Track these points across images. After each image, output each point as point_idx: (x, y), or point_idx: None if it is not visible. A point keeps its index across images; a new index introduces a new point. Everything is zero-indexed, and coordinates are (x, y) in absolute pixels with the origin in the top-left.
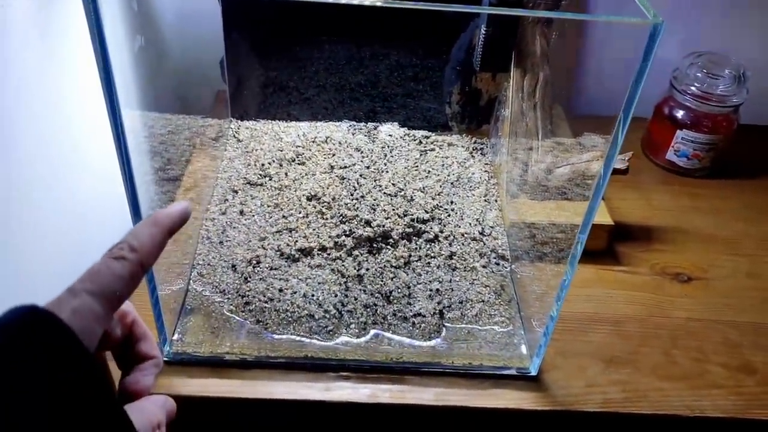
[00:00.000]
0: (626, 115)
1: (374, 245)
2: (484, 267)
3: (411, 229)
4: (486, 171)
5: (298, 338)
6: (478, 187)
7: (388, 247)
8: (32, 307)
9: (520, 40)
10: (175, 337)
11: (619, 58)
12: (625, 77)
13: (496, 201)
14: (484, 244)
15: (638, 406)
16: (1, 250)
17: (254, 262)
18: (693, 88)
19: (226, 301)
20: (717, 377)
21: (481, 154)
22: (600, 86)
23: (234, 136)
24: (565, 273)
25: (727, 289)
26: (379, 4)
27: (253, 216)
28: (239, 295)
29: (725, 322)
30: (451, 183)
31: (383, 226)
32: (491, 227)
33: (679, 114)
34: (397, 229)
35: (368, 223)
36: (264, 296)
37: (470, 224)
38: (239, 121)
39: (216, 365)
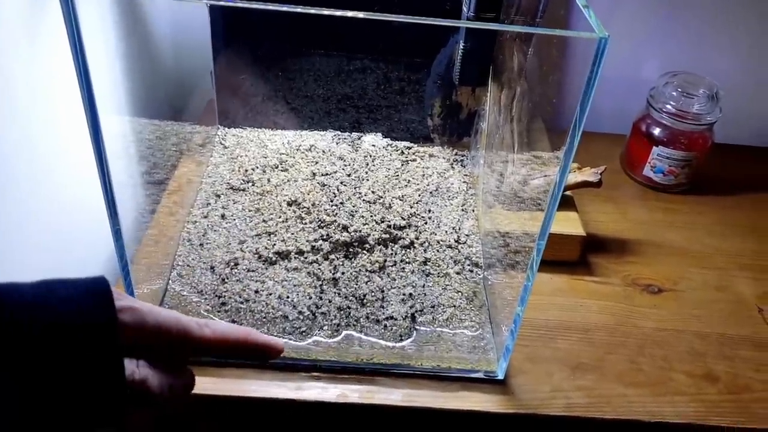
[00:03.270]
0: (578, 126)
1: (350, 250)
2: (458, 273)
3: (387, 235)
4: (465, 182)
5: None
6: (456, 197)
7: (364, 252)
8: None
9: (497, 55)
10: None
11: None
12: (599, 93)
13: (473, 211)
14: (459, 251)
15: (601, 411)
16: None
17: (232, 264)
18: (669, 106)
19: (203, 301)
20: (680, 385)
21: (461, 165)
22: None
23: (220, 142)
24: (526, 278)
25: (696, 301)
26: (361, 16)
27: (234, 220)
28: (216, 295)
29: (692, 332)
30: (430, 192)
31: (360, 231)
32: (467, 235)
33: (656, 131)
34: (373, 235)
35: (345, 228)
36: (240, 297)
37: (446, 232)
38: (226, 129)
39: (190, 363)
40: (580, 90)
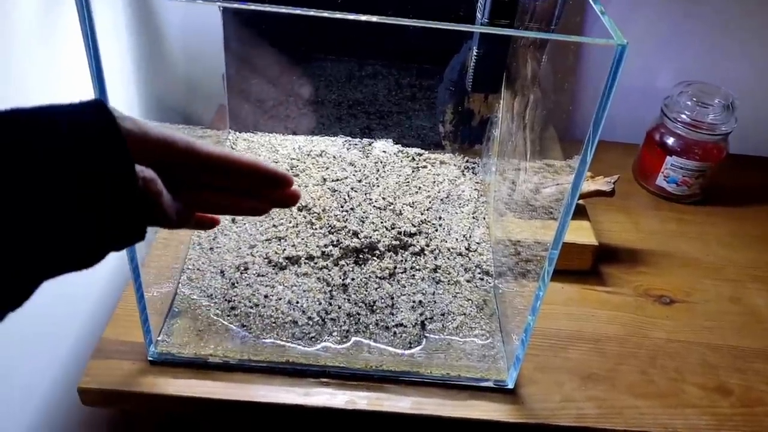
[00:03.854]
0: (594, 135)
1: (360, 256)
2: (468, 281)
3: (398, 242)
4: (476, 189)
5: (280, 343)
6: (467, 205)
7: (374, 258)
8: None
9: (511, 62)
10: (161, 337)
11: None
12: (614, 101)
13: (484, 218)
14: (470, 259)
15: (612, 423)
16: None
17: (242, 268)
18: (683, 115)
19: (212, 305)
20: (692, 397)
21: (472, 172)
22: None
23: (231, 147)
24: (538, 287)
25: (709, 312)
26: (374, 20)
27: (245, 224)
28: (226, 299)
29: (704, 344)
30: (441, 199)
31: (370, 237)
32: (477, 243)
33: (670, 141)
34: (383, 241)
35: (356, 234)
36: (250, 301)
37: (457, 239)
38: (237, 133)
39: (200, 367)
40: (595, 98)
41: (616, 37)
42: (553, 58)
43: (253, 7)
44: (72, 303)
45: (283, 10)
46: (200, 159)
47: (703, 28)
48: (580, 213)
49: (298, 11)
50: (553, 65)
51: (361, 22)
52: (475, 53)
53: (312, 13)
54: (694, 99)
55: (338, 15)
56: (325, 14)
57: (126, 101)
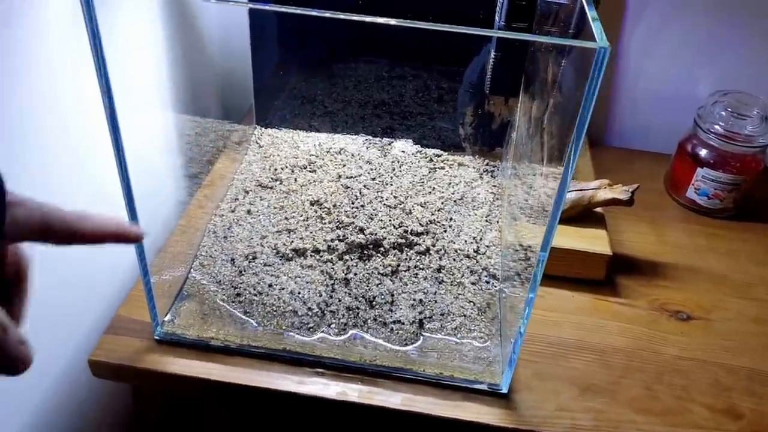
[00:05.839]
0: (577, 140)
1: (365, 252)
2: (473, 284)
3: (403, 240)
4: (492, 192)
5: (280, 331)
6: (482, 207)
7: (379, 254)
8: None
9: (528, 66)
10: (168, 318)
11: (634, 90)
12: (649, 110)
13: (497, 222)
14: (477, 261)
15: None
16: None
17: (251, 257)
18: (717, 126)
19: (220, 290)
20: (698, 417)
21: (490, 176)
22: (628, 117)
23: (256, 141)
24: (529, 290)
25: (728, 331)
26: (393, 23)
27: (259, 216)
28: (232, 286)
29: (719, 364)
30: (455, 201)
31: (376, 234)
32: (487, 246)
33: (702, 152)
34: (389, 239)
35: (362, 230)
36: (254, 289)
37: (466, 241)
38: (263, 128)
39: (201, 349)
40: (616, 104)
41: (599, 39)
42: (573, 62)
43: (277, 8)
44: (94, 283)
45: (307, 12)
46: (74, 239)
47: (742, 36)
48: (598, 221)
49: (314, 13)
50: (573, 70)
51: (378, 24)
52: (493, 56)
53: (341, 16)
54: (729, 109)
55: (355, 17)
56: (341, 16)
57: (160, 98)
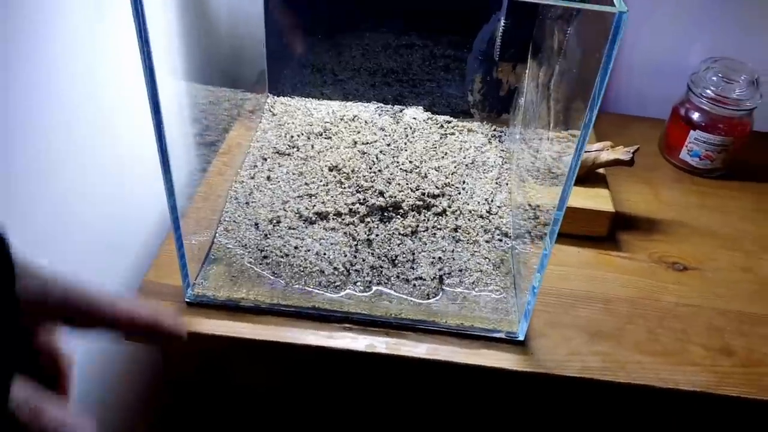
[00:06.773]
0: (595, 103)
1: (385, 214)
2: (487, 242)
3: (421, 202)
4: (501, 156)
5: (308, 290)
6: (491, 171)
7: (398, 216)
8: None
9: (537, 33)
10: (198, 281)
11: (641, 57)
12: (645, 77)
13: (506, 184)
14: (490, 221)
15: (615, 375)
16: (53, 212)
17: (275, 221)
18: (708, 91)
19: (246, 253)
20: (695, 356)
21: (498, 141)
22: (624, 84)
23: (269, 110)
24: (545, 246)
25: (720, 280)
26: None
27: (279, 182)
28: (259, 249)
29: (712, 308)
30: (466, 165)
31: (395, 197)
32: (498, 207)
33: (695, 116)
34: (408, 201)
35: (381, 193)
36: (281, 251)
37: (479, 203)
38: (275, 97)
39: (232, 309)
40: (621, 71)
41: (617, 4)
42: (579, 29)
43: None
44: (119, 250)
45: None
46: (104, 323)
47: (733, 6)
48: (600, 181)
49: None
50: (580, 37)
51: None
52: (502, 23)
53: None
54: (720, 75)
55: None
56: None
57: (171, 66)
